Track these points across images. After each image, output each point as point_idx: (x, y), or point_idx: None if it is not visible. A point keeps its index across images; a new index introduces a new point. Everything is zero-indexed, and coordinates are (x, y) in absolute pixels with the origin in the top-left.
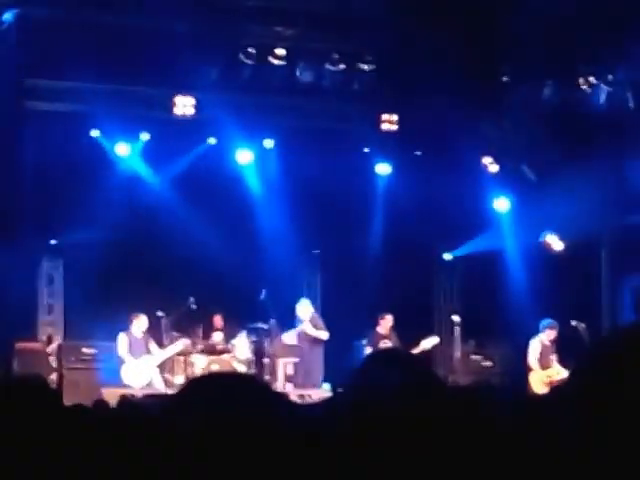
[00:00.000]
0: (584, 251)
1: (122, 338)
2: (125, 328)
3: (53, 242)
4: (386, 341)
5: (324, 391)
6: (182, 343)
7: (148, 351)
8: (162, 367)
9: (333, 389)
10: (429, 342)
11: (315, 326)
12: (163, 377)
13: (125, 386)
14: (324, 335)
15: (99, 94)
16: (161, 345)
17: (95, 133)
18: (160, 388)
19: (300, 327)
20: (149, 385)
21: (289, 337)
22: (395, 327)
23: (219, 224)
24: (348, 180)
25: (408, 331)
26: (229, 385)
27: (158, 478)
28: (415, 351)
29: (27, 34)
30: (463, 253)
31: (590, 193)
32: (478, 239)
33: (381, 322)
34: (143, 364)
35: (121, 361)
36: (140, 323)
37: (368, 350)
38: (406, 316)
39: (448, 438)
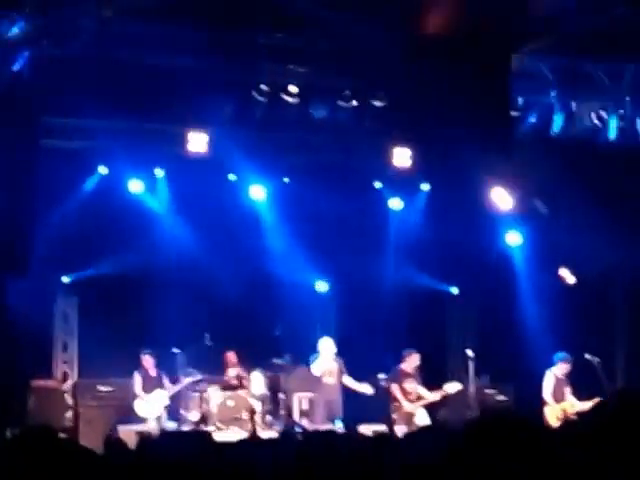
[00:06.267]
0: (598, 284)
1: (137, 377)
2: (138, 366)
3: (66, 280)
4: (410, 380)
5: (337, 427)
6: (191, 377)
7: (161, 386)
8: (177, 403)
9: (346, 426)
10: (452, 387)
11: (340, 368)
12: (178, 413)
13: (139, 420)
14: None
15: (112, 131)
16: (176, 381)
17: (106, 170)
18: (167, 423)
19: (331, 367)
20: (158, 419)
21: (317, 369)
22: (421, 367)
23: (233, 260)
24: (361, 215)
25: (422, 366)
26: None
27: None
28: (437, 395)
29: (40, 73)
30: (475, 287)
31: (604, 226)
32: (491, 273)
33: (407, 359)
34: (154, 397)
35: (135, 397)
36: (148, 362)
37: (393, 387)
38: (419, 351)
39: None
